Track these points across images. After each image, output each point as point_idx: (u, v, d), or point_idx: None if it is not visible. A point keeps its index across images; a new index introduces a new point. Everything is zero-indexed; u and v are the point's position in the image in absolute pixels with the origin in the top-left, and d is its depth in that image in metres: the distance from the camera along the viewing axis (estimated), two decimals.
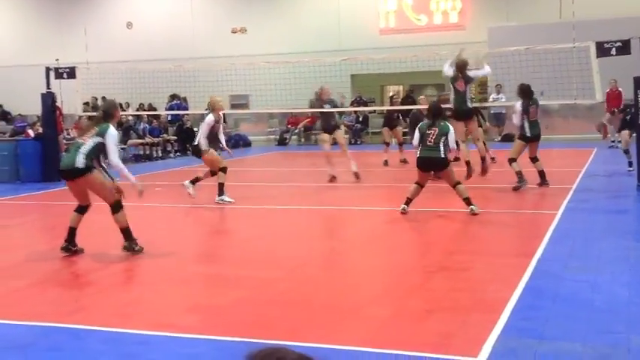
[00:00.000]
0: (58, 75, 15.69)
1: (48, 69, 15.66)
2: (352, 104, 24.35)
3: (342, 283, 6.56)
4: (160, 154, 21.06)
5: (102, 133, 7.48)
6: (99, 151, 7.51)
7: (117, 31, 27.87)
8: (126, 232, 7.71)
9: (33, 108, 21.99)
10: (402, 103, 20.23)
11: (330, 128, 13.51)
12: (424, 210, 9.89)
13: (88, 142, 7.46)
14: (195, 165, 14.24)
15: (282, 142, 24.68)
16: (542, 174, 11.67)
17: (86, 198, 7.69)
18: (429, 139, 9.39)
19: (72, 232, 7.72)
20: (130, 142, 20.59)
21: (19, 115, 27.10)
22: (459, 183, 9.62)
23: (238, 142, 24.85)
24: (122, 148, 20.57)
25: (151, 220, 10.40)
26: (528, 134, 11.57)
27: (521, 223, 9.49)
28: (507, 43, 17.07)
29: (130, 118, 21.45)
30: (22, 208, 11.96)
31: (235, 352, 4.70)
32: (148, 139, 20.80)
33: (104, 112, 7.80)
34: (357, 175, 13.21)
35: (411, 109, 16.00)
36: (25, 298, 6.21)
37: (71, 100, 17.42)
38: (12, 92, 28.22)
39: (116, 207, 7.60)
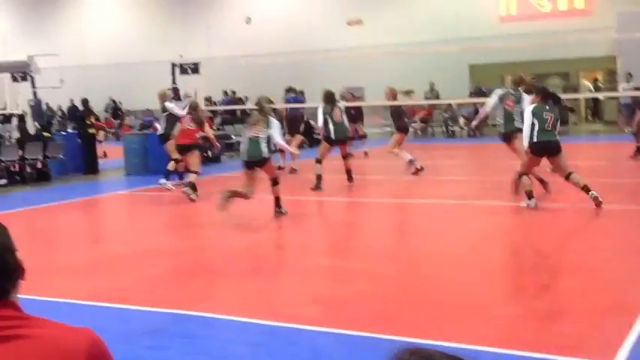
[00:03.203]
0: (183, 70, 16.29)
1: (174, 65, 16.28)
2: (471, 95, 23.82)
3: (464, 279, 6.41)
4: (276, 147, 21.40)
5: (269, 126, 9.38)
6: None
7: (236, 26, 28.62)
8: (278, 200, 9.55)
9: (158, 102, 23.08)
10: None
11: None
12: (550, 206, 9.52)
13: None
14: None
15: None
16: (349, 172, 12.08)
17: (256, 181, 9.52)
18: (547, 124, 9.02)
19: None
20: None
21: (147, 109, 28.49)
22: (572, 172, 9.26)
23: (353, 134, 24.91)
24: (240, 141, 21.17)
25: (271, 213, 10.63)
26: (333, 137, 12.00)
27: None
28: (638, 29, 16.08)
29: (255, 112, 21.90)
30: (152, 199, 12.53)
31: (358, 346, 4.71)
32: None
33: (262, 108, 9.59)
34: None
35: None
36: (157, 285, 6.49)
37: (193, 94, 18.05)
38: (133, 87, 29.69)
39: (277, 181, 9.56)
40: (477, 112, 23.76)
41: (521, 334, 4.77)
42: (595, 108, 28.18)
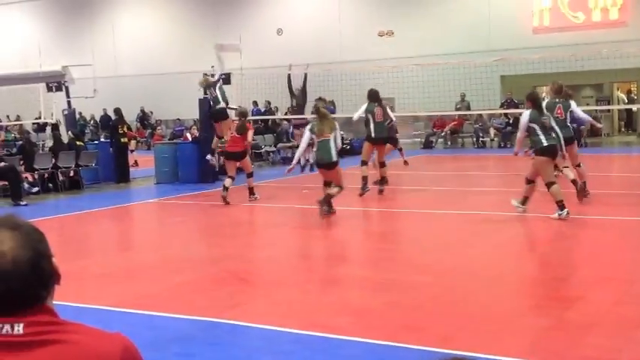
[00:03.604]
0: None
1: (205, 75, 16.38)
2: (502, 106, 23.65)
3: (493, 290, 6.35)
4: (307, 157, 21.44)
5: (335, 129, 9.98)
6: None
7: (268, 37, 28.82)
8: (329, 197, 9.85)
9: (189, 112, 23.25)
10: None
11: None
12: (578, 217, 9.40)
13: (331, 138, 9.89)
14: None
15: (427, 145, 24.41)
16: (382, 179, 12.15)
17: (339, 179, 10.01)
18: (547, 128, 9.33)
19: (328, 197, 9.86)
20: (279, 145, 21.18)
21: (178, 119, 28.79)
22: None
23: None
24: (272, 152, 21.27)
25: (300, 222, 10.65)
26: (373, 135, 11.93)
27: None
28: None
29: (285, 122, 22.02)
30: (181, 207, 12.63)
31: (387, 356, 4.68)
32: (295, 142, 21.26)
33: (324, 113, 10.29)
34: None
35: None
36: (186, 293, 6.52)
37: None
38: (165, 98, 30.03)
39: (341, 187, 9.92)
40: (508, 123, 23.67)
41: (551, 345, 4.70)
42: (628, 119, 27.81)
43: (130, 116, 26.39)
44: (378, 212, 11.31)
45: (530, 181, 9.51)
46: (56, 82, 18.83)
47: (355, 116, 12.19)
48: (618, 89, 27.22)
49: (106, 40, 32.56)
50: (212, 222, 11.21)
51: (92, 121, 30.58)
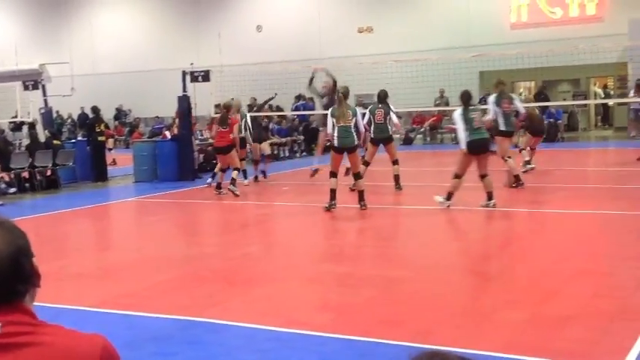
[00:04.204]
0: (194, 78, 16.29)
1: (184, 73, 16.31)
2: (480, 102, 23.75)
3: (473, 285, 6.39)
4: (287, 154, 21.44)
5: (355, 115, 10.35)
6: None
7: (248, 34, 28.72)
8: (361, 194, 10.31)
9: (168, 110, 23.09)
10: (535, 100, 19.50)
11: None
12: (558, 211, 9.48)
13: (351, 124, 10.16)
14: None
15: (407, 141, 24.47)
16: (396, 178, 12.40)
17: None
18: (475, 122, 9.82)
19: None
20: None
21: (157, 117, 28.60)
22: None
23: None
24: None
25: (279, 219, 10.63)
26: (372, 136, 12.26)
27: None
28: None
29: (265, 119, 21.94)
30: (160, 205, 12.56)
31: (367, 352, 4.69)
32: (276, 139, 21.24)
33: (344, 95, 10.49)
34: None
35: None
36: (165, 292, 6.48)
37: (204, 102, 18.07)
38: (144, 95, 29.81)
39: (358, 175, 10.37)
40: None
41: (528, 339, 4.73)
42: (605, 114, 28.08)
43: (108, 114, 26.19)
44: (358, 209, 11.31)
45: (483, 176, 9.88)
46: (33, 81, 18.63)
47: (365, 121, 12.19)
48: (595, 84, 27.48)
49: (84, 37, 32.25)
50: (191, 220, 11.17)
51: (69, 120, 30.27)
